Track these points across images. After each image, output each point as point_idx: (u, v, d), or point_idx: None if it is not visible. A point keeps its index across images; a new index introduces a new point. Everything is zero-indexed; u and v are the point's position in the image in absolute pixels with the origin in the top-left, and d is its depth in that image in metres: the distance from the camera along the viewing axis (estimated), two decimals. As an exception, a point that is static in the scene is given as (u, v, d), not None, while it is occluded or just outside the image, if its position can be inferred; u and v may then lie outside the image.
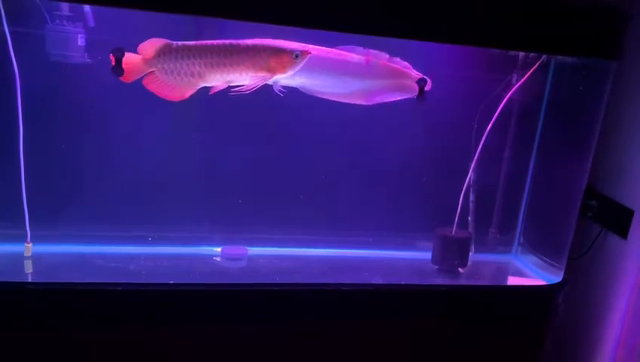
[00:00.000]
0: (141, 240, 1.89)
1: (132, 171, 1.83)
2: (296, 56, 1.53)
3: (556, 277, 1.99)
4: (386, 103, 1.93)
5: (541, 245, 2.11)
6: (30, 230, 1.72)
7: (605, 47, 1.77)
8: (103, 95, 1.75)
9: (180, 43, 1.52)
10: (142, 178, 1.84)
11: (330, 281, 1.81)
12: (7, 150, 1.67)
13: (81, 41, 1.65)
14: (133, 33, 1.67)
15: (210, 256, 1.93)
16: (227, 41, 1.52)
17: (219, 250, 1.93)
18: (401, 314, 1.85)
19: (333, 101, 1.80)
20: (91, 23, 1.66)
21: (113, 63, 1.52)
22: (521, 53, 1.94)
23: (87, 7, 1.63)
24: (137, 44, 1.54)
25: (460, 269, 2.01)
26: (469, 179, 1.99)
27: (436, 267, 2.01)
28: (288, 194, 1.95)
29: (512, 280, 2.08)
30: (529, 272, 2.11)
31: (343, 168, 1.99)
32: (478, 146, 1.95)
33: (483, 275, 2.06)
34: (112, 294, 1.63)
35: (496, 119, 1.93)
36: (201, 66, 1.51)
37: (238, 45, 1.52)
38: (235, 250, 1.93)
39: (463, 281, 1.99)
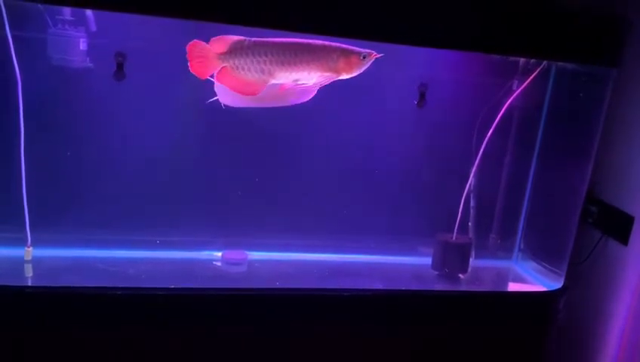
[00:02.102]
0: (141, 245, 1.89)
1: (133, 176, 1.83)
2: (364, 57, 1.56)
3: (557, 284, 1.99)
4: (386, 109, 1.94)
5: (541, 251, 2.11)
6: (30, 234, 1.72)
7: (605, 54, 1.78)
8: (104, 99, 1.76)
9: (252, 40, 1.54)
10: (142, 182, 1.84)
11: (331, 286, 1.81)
12: (9, 154, 1.67)
13: (82, 45, 1.65)
14: (135, 37, 1.68)
15: (211, 261, 1.93)
16: (297, 41, 1.55)
17: (219, 254, 1.93)
18: (401, 320, 1.85)
19: (335, 107, 1.81)
20: (93, 28, 1.67)
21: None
22: (522, 60, 1.95)
23: (89, 12, 1.64)
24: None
25: (460, 275, 2.00)
26: (470, 184, 2.00)
27: (436, 272, 2.00)
28: (289, 200, 1.95)
29: (513, 286, 2.08)
30: (529, 278, 2.11)
31: (344, 173, 1.99)
32: (478, 152, 1.95)
33: (483, 281, 2.05)
34: (112, 298, 1.62)
35: (497, 125, 1.93)
36: (272, 64, 1.53)
37: (309, 45, 1.55)
38: (236, 254, 1.93)
39: (463, 287, 1.98)
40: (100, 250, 1.85)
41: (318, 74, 1.56)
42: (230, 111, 1.63)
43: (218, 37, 1.52)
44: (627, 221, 2.00)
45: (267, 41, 1.54)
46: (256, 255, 1.96)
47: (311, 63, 1.54)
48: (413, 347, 1.88)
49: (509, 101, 1.94)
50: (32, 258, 1.74)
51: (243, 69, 1.53)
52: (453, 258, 1.99)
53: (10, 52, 1.60)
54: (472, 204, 2.07)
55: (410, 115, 1.97)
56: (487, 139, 1.93)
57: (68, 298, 1.60)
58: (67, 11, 1.63)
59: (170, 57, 1.76)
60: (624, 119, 2.03)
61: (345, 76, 1.58)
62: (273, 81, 1.57)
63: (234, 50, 1.52)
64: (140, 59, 1.71)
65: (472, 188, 2.02)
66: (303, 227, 1.97)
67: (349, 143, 1.97)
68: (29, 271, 1.72)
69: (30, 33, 1.63)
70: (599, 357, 2.12)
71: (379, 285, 1.89)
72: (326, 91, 1.62)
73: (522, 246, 2.18)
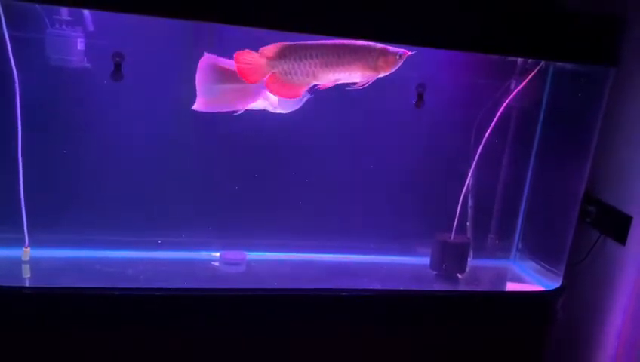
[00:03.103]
0: (139, 245, 1.89)
1: (131, 176, 1.83)
2: (399, 57, 1.61)
3: (555, 283, 1.99)
4: (385, 110, 1.94)
5: (540, 251, 2.11)
6: (28, 235, 1.72)
7: (603, 54, 1.78)
8: (101, 99, 1.75)
9: (298, 44, 1.58)
10: (141, 183, 1.84)
11: (329, 287, 1.81)
12: (6, 154, 1.66)
13: (80, 45, 1.65)
14: (133, 38, 1.68)
15: (209, 261, 1.92)
16: (339, 42, 1.59)
17: (217, 254, 1.93)
18: (399, 320, 1.85)
19: (333, 107, 1.81)
20: (91, 28, 1.67)
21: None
22: (520, 60, 1.95)
23: (86, 12, 1.64)
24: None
25: (458, 275, 2.01)
26: (468, 184, 2.00)
27: (435, 272, 2.00)
28: (287, 200, 1.95)
29: (511, 286, 2.08)
30: (528, 278, 2.11)
31: (342, 174, 1.99)
32: (476, 152, 1.95)
33: (481, 281, 2.06)
34: (110, 299, 1.62)
35: (495, 125, 1.93)
36: (317, 66, 1.58)
37: (350, 46, 1.59)
38: (234, 254, 1.93)
39: (461, 287, 1.99)
40: (97, 251, 1.85)
41: (359, 73, 1.61)
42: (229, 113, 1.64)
43: (269, 45, 1.57)
44: (625, 221, 2.00)
45: (312, 44, 1.59)
46: (254, 255, 1.96)
47: (352, 64, 1.59)
48: (411, 347, 1.88)
49: (507, 101, 1.94)
50: (29, 258, 1.74)
51: (290, 73, 1.58)
52: (451, 258, 1.99)
53: (7, 52, 1.59)
54: (470, 203, 2.07)
55: (408, 116, 1.97)
56: (485, 139, 1.94)
57: (65, 298, 1.60)
58: (65, 11, 1.63)
59: (169, 57, 1.77)
60: (622, 119, 2.03)
61: (382, 75, 1.63)
62: (316, 82, 1.62)
63: (282, 56, 1.57)
64: (138, 60, 1.71)
65: (470, 187, 2.02)
66: (302, 227, 1.97)
67: (347, 143, 1.97)
68: (26, 272, 1.72)
69: (27, 33, 1.63)
70: (597, 356, 2.12)
71: (377, 285, 1.89)
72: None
73: (520, 246, 2.18)
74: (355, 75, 1.62)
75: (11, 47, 1.60)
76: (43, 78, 1.67)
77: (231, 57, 1.59)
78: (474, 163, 1.97)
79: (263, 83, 1.60)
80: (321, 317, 1.78)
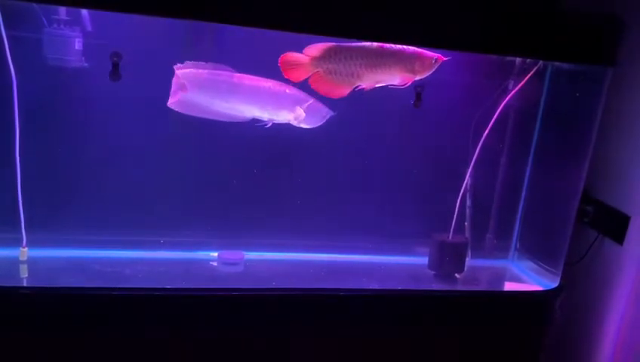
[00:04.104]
0: (137, 245, 1.89)
1: (129, 176, 1.83)
2: (435, 61, 1.71)
3: (553, 283, 1.99)
4: (383, 109, 1.94)
5: (538, 251, 2.11)
6: (26, 234, 1.72)
7: (601, 54, 1.78)
8: (99, 99, 1.75)
9: (342, 45, 1.64)
10: (138, 183, 1.83)
11: (327, 286, 1.81)
12: (4, 154, 1.66)
13: (78, 45, 1.65)
14: (131, 37, 1.68)
15: (207, 261, 1.92)
16: (381, 45, 1.66)
17: (215, 254, 1.93)
18: (397, 320, 1.85)
19: (331, 107, 1.81)
20: (89, 27, 1.66)
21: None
22: (518, 60, 1.95)
23: (84, 12, 1.63)
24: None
25: (456, 275, 2.01)
26: (466, 184, 2.00)
27: (433, 272, 2.01)
28: (285, 199, 1.95)
29: (509, 286, 2.08)
30: (526, 278, 2.11)
31: (340, 173, 1.99)
32: (474, 152, 1.95)
33: (479, 281, 2.06)
34: (108, 299, 1.62)
35: (493, 125, 1.93)
36: (360, 67, 1.66)
37: (391, 49, 1.68)
38: (232, 254, 1.93)
39: (459, 287, 1.99)
40: (95, 251, 1.85)
41: (397, 75, 1.69)
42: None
43: (312, 45, 1.64)
44: (623, 220, 2.00)
45: (356, 46, 1.66)
46: (252, 255, 1.96)
47: (393, 66, 1.68)
48: (409, 346, 1.88)
49: (505, 101, 1.94)
50: (27, 258, 1.74)
51: (334, 72, 1.66)
52: (449, 258, 1.99)
53: (5, 52, 1.59)
54: (468, 203, 2.07)
55: (407, 115, 1.96)
56: (483, 138, 1.94)
57: (63, 298, 1.60)
58: (63, 11, 1.62)
59: (167, 57, 1.76)
60: (620, 119, 2.03)
61: (418, 77, 1.71)
62: (359, 83, 1.69)
63: (327, 56, 1.65)
64: (136, 59, 1.71)
65: (468, 187, 2.02)
66: (300, 227, 1.97)
67: (345, 143, 1.96)
68: (24, 272, 1.72)
69: (25, 33, 1.63)
70: (595, 356, 2.12)
71: (375, 285, 1.89)
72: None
73: (518, 245, 2.18)
74: (394, 77, 1.69)
75: (9, 46, 1.59)
76: (41, 78, 1.67)
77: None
78: (472, 163, 1.97)
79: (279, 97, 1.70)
80: (320, 317, 1.78)
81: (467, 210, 2.08)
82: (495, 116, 1.93)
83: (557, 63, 1.94)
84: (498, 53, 1.78)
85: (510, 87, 1.97)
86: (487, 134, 1.93)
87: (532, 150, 2.09)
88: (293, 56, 1.65)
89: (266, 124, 1.75)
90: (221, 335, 1.73)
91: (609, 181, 2.08)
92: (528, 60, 1.92)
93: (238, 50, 1.77)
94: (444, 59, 1.71)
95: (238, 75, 1.74)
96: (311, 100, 1.77)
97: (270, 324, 1.75)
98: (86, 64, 1.67)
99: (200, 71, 1.71)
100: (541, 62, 1.92)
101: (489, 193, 2.13)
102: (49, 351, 1.62)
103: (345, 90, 1.70)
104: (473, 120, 1.98)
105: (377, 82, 1.70)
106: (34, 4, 1.59)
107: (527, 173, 2.11)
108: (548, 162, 2.06)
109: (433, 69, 1.72)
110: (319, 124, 1.81)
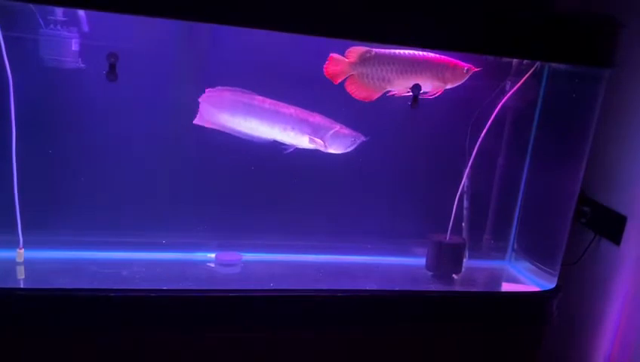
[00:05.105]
0: (135, 247, 1.88)
1: (126, 177, 1.82)
2: (467, 71, 1.75)
3: (550, 284, 2.00)
4: (380, 111, 1.94)
5: (535, 251, 2.12)
6: (22, 236, 1.71)
7: (598, 55, 1.78)
8: (96, 100, 1.75)
9: (377, 50, 1.68)
10: (135, 184, 1.83)
11: (325, 287, 1.81)
12: (0, 155, 1.65)
13: (75, 46, 1.64)
14: (127, 38, 1.67)
15: (204, 262, 1.92)
16: (414, 52, 1.70)
17: (213, 256, 1.93)
18: (395, 321, 1.85)
19: (330, 107, 1.81)
20: (85, 28, 1.66)
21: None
22: (515, 60, 1.95)
23: (81, 12, 1.63)
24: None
25: (453, 275, 2.01)
26: (463, 185, 2.00)
27: (430, 273, 2.01)
28: (283, 200, 1.95)
29: (506, 287, 2.08)
30: (523, 279, 2.11)
31: (338, 174, 1.98)
32: (471, 153, 1.96)
33: (477, 281, 2.06)
34: (105, 300, 1.62)
35: (490, 126, 1.94)
36: (393, 73, 1.69)
37: (424, 57, 1.72)
38: (229, 256, 1.93)
39: (456, 287, 1.99)
40: (92, 252, 1.84)
41: (429, 83, 1.72)
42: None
43: (352, 48, 1.69)
44: (620, 221, 2.01)
45: (390, 52, 1.71)
46: (250, 256, 1.96)
47: (424, 74, 1.71)
48: (407, 347, 1.88)
49: (502, 102, 1.95)
50: (24, 260, 1.73)
51: (367, 76, 1.69)
52: (447, 258, 1.99)
53: (1, 52, 1.59)
54: (465, 204, 2.07)
55: (404, 116, 1.96)
56: (480, 139, 1.94)
57: (60, 300, 1.59)
58: (59, 11, 1.62)
59: (165, 58, 1.76)
60: (617, 119, 2.04)
61: (449, 86, 1.74)
62: (389, 88, 1.73)
63: (363, 59, 1.69)
64: (133, 60, 1.70)
65: (465, 188, 2.03)
66: (297, 228, 1.97)
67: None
68: (20, 273, 1.71)
69: (22, 34, 1.62)
70: (592, 356, 2.13)
71: (373, 286, 1.89)
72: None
73: (516, 246, 2.18)
74: (425, 85, 1.72)
75: (5, 47, 1.59)
76: (37, 79, 1.66)
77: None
78: (469, 163, 1.97)
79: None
80: (317, 318, 1.78)
81: (464, 211, 2.08)
82: (492, 117, 1.93)
83: (554, 64, 1.94)
84: (495, 54, 1.78)
85: (507, 88, 1.97)
86: (485, 135, 1.93)
87: (529, 151, 2.09)
88: (338, 58, 1.70)
89: (288, 149, 1.77)
90: (219, 337, 1.72)
91: (606, 182, 2.08)
92: (525, 61, 1.92)
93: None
94: (476, 69, 1.74)
95: (263, 99, 1.77)
96: (336, 128, 1.79)
97: (268, 325, 1.75)
98: (83, 65, 1.67)
99: (225, 92, 1.75)
100: (538, 63, 1.92)
101: (486, 194, 2.13)
102: (46, 352, 1.62)
103: (373, 95, 1.73)
104: (470, 121, 1.98)
105: (408, 89, 1.72)
106: (30, 5, 1.59)
107: (525, 174, 2.11)
108: (545, 163, 2.06)
109: (464, 79, 1.74)
110: (349, 149, 1.83)
